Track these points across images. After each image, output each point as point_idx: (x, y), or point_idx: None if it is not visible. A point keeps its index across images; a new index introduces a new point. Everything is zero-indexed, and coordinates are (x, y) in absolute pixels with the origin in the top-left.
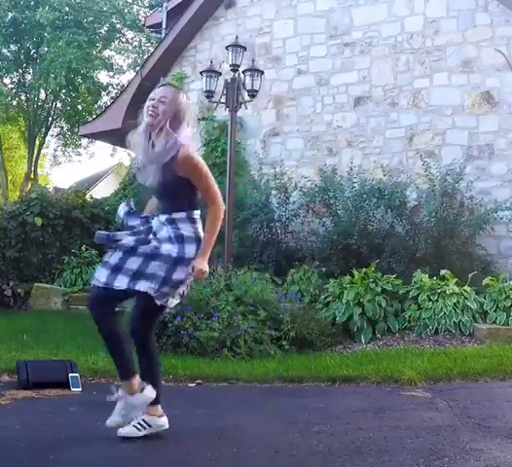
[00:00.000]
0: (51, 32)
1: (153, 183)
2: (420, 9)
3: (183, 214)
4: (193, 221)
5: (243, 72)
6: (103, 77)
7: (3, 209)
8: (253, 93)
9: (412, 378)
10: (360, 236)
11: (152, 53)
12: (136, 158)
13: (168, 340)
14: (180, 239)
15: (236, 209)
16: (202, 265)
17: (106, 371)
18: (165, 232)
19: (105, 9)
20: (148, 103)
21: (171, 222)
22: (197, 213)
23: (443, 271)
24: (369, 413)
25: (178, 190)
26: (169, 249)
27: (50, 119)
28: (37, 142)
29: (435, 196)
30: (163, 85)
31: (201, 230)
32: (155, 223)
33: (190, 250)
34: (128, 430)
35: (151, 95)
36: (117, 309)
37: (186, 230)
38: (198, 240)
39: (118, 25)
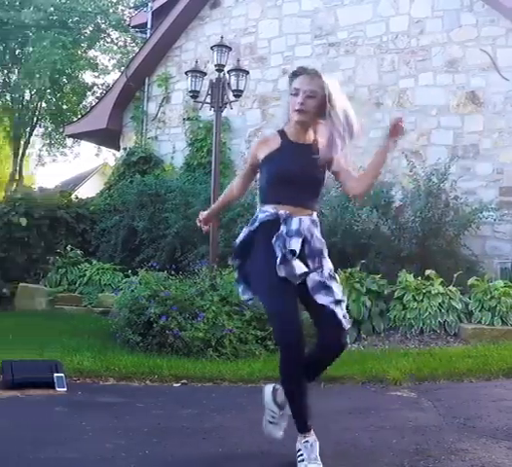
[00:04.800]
0: (36, 32)
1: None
2: (405, 9)
3: (315, 216)
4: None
5: (228, 72)
6: (88, 77)
7: None
8: (238, 93)
9: (397, 379)
10: (345, 236)
11: (137, 54)
12: None
13: (153, 339)
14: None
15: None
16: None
17: (91, 371)
18: (319, 233)
19: (90, 9)
20: (292, 99)
21: (317, 224)
22: None
23: (428, 271)
24: (354, 413)
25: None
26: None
27: (34, 119)
28: (22, 142)
29: (420, 195)
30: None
31: None
32: (303, 224)
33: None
34: None
35: (292, 89)
36: None
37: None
38: None
39: (103, 25)
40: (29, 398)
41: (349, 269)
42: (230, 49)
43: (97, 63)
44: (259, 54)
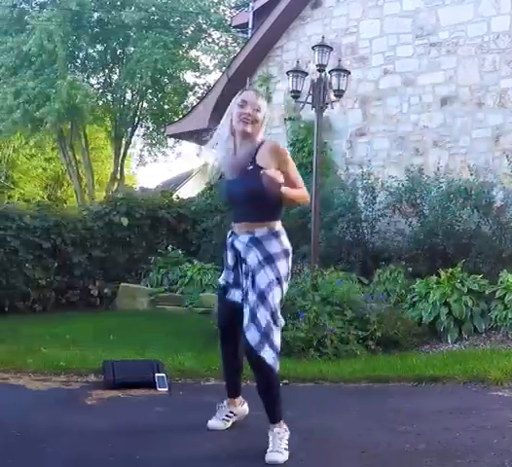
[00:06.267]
0: (137, 32)
1: (241, 191)
2: (506, 9)
3: (265, 231)
4: (276, 235)
5: (330, 72)
6: (189, 77)
7: (89, 209)
8: (339, 93)
9: (498, 379)
10: (446, 236)
11: (238, 54)
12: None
13: None
14: (270, 260)
15: (323, 209)
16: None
17: (193, 371)
18: (254, 256)
19: (191, 9)
20: (239, 110)
21: (257, 243)
22: (279, 224)
23: None
24: (455, 413)
25: (263, 194)
26: (263, 277)
27: (136, 119)
28: (123, 142)
29: None
30: (248, 90)
31: (287, 241)
32: (238, 245)
33: (283, 267)
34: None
35: (240, 101)
36: None
37: (273, 246)
38: (286, 253)
39: (204, 25)
40: (131, 398)
41: (450, 269)
42: (331, 49)
43: (198, 63)
44: (360, 54)
